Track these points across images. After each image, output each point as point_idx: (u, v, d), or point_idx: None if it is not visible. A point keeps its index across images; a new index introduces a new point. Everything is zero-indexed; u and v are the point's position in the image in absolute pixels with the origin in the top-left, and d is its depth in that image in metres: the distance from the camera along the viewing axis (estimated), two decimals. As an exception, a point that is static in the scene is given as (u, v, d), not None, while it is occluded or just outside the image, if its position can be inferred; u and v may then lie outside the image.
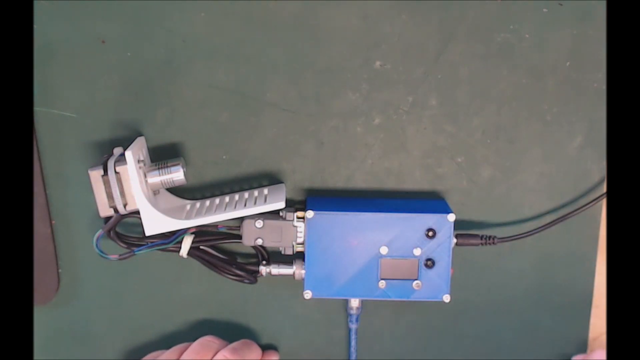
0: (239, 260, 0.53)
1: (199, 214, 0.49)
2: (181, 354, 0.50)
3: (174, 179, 0.49)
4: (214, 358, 0.49)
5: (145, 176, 0.48)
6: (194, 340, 0.51)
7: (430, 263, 0.49)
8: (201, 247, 0.51)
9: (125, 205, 0.47)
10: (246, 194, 0.51)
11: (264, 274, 0.51)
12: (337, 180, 0.52)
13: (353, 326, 0.52)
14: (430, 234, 0.49)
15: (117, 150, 0.49)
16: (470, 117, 0.51)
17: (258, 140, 0.51)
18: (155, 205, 0.47)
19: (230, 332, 0.54)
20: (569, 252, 0.54)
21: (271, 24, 0.50)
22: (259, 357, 0.52)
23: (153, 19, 0.49)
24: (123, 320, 0.54)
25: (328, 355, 0.55)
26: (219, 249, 0.52)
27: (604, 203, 0.52)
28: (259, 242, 0.49)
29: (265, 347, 0.55)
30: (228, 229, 0.51)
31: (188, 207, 0.51)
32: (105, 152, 0.50)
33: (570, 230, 0.53)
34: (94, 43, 0.50)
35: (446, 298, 0.49)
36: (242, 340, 0.52)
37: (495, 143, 0.52)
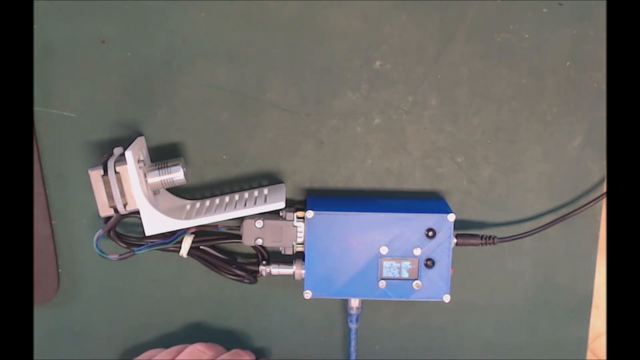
0: (239, 260, 0.53)
1: (199, 214, 0.49)
2: (177, 355, 0.50)
3: (174, 179, 0.49)
4: None
5: (145, 176, 0.48)
6: (193, 340, 0.51)
7: (430, 263, 0.49)
8: (201, 247, 0.51)
9: (125, 205, 0.47)
10: (246, 194, 0.51)
11: (264, 274, 0.51)
12: (337, 180, 0.52)
13: (353, 326, 0.52)
14: (430, 234, 0.49)
15: (117, 150, 0.49)
16: (470, 117, 0.51)
17: (258, 140, 0.51)
18: (155, 205, 0.48)
19: (230, 332, 0.54)
20: (569, 252, 0.54)
21: (271, 24, 0.50)
22: None
23: (153, 19, 0.49)
24: (123, 320, 0.54)
25: (328, 355, 0.55)
26: (219, 249, 0.52)
27: (604, 203, 0.52)
28: (259, 242, 0.49)
29: (262, 350, 0.55)
30: (228, 229, 0.51)
31: (188, 207, 0.51)
32: (105, 152, 0.50)
33: (570, 230, 0.53)
34: (94, 43, 0.50)
35: (446, 298, 0.49)
36: (233, 351, 0.52)
37: (495, 143, 0.52)
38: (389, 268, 0.49)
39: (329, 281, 0.49)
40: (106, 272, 0.53)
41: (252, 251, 0.53)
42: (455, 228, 0.49)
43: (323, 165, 0.52)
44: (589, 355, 0.56)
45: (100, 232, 0.49)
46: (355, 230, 0.49)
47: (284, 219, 0.49)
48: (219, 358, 0.50)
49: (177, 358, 0.50)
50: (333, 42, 0.50)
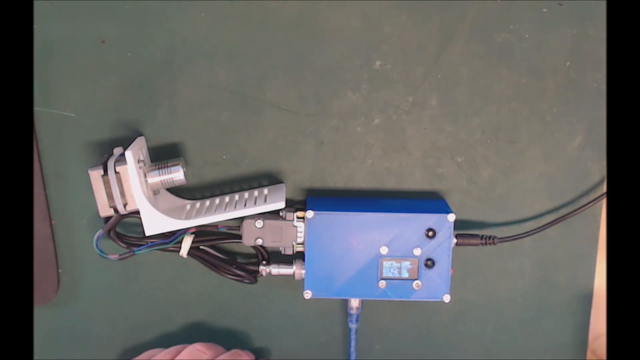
0: (239, 260, 0.53)
1: (199, 214, 0.49)
2: (176, 355, 0.50)
3: (174, 179, 0.49)
4: None
5: (145, 176, 0.48)
6: (193, 340, 0.51)
7: (430, 263, 0.49)
8: (201, 247, 0.51)
9: (125, 205, 0.47)
10: (246, 194, 0.51)
11: (264, 274, 0.51)
12: (337, 180, 0.52)
13: (353, 326, 0.52)
14: (430, 234, 0.49)
15: (117, 150, 0.49)
16: (470, 117, 0.52)
17: (258, 140, 0.51)
18: (155, 205, 0.47)
19: (230, 332, 0.54)
20: (569, 252, 0.54)
21: (271, 24, 0.50)
22: None
23: (153, 19, 0.49)
24: (123, 320, 0.54)
25: (328, 355, 0.55)
26: (219, 249, 0.52)
27: (604, 203, 0.52)
28: (259, 242, 0.49)
29: (262, 350, 0.55)
30: (228, 229, 0.51)
31: (188, 207, 0.51)
32: (105, 152, 0.50)
33: (570, 230, 0.53)
34: (94, 43, 0.50)
35: (446, 298, 0.49)
36: (233, 351, 0.52)
37: (495, 143, 0.52)
38: (389, 268, 0.49)
39: (329, 281, 0.49)
40: (106, 272, 0.53)
41: (252, 251, 0.53)
42: (455, 228, 0.49)
43: (323, 165, 0.52)
44: (589, 355, 0.56)
45: (100, 232, 0.49)
46: (355, 230, 0.49)
47: (284, 219, 0.49)
48: (218, 358, 0.50)
49: (177, 358, 0.50)
50: (333, 42, 0.50)
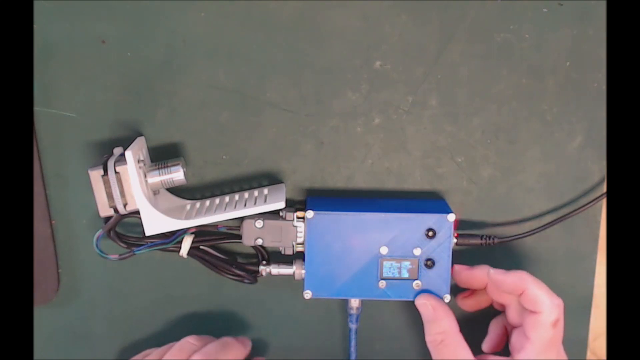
0: (239, 260, 0.53)
1: (199, 214, 0.49)
2: (169, 350, 0.49)
3: (174, 179, 0.49)
4: None
5: (145, 176, 0.48)
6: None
7: (430, 263, 0.49)
8: (201, 247, 0.51)
9: (125, 205, 0.47)
10: (246, 194, 0.51)
11: (264, 274, 0.51)
12: (337, 180, 0.52)
13: (353, 326, 0.52)
14: (430, 234, 0.49)
15: (117, 150, 0.49)
16: (470, 117, 0.52)
17: (258, 140, 0.51)
18: (155, 205, 0.47)
19: (229, 332, 0.54)
20: (569, 252, 0.54)
21: (271, 24, 0.50)
22: (239, 357, 0.50)
23: (153, 19, 0.49)
24: (123, 320, 0.54)
25: (328, 355, 0.55)
26: (219, 249, 0.52)
27: (604, 203, 0.52)
28: (259, 242, 0.49)
29: (262, 349, 0.55)
30: (228, 229, 0.51)
31: (188, 207, 0.51)
32: (105, 152, 0.50)
33: (570, 230, 0.53)
34: (94, 43, 0.50)
35: (446, 298, 0.49)
36: (222, 340, 0.50)
37: (495, 143, 0.52)
38: (389, 268, 0.49)
39: (329, 281, 0.49)
40: (106, 272, 0.53)
41: (252, 251, 0.53)
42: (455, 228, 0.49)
43: (323, 165, 0.52)
44: (589, 355, 0.56)
45: (100, 232, 0.49)
46: (355, 230, 0.49)
47: (284, 219, 0.49)
48: (205, 348, 0.49)
49: (168, 353, 0.49)
50: (333, 42, 0.50)
